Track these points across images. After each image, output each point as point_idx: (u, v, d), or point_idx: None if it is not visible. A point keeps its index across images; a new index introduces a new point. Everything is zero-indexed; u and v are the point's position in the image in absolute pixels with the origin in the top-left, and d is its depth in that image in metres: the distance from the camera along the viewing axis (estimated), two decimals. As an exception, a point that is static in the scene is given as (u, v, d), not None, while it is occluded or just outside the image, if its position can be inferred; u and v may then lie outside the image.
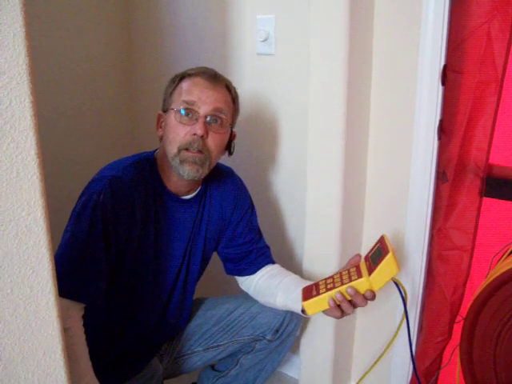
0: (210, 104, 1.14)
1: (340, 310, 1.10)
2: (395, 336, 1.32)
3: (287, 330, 1.33)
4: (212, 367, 1.46)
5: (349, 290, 1.06)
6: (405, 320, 1.15)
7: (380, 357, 1.41)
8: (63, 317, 0.66)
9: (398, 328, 1.32)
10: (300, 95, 1.48)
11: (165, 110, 1.20)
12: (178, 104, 1.15)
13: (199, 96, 1.14)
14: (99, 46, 1.85)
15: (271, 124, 1.60)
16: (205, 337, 1.37)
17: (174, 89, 1.18)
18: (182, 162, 1.14)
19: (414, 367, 1.30)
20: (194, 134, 1.13)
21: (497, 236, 1.29)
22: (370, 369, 1.47)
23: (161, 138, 1.21)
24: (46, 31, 1.67)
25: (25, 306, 0.60)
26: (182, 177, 1.15)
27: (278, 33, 1.50)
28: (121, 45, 1.92)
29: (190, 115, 1.14)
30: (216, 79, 1.17)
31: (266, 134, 1.61)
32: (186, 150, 1.13)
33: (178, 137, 1.14)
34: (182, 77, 1.19)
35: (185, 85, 1.17)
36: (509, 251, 1.19)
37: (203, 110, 1.14)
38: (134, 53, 1.93)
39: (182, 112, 1.14)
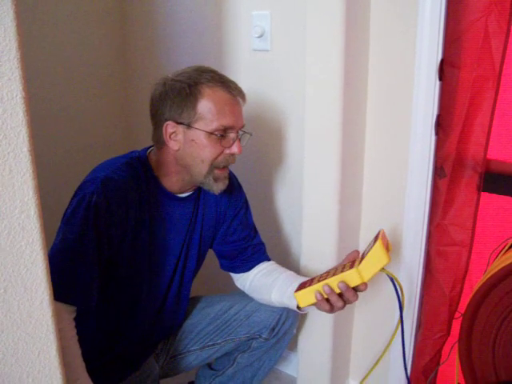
0: (241, 121, 1.17)
1: (329, 303, 1.09)
2: (394, 335, 1.32)
3: (283, 328, 1.33)
4: (209, 366, 1.46)
5: (338, 283, 1.05)
6: (400, 316, 1.15)
7: (378, 360, 1.41)
8: None
9: (397, 327, 1.32)
10: (296, 91, 1.47)
11: (183, 123, 1.12)
12: (212, 126, 1.11)
13: (233, 116, 1.13)
14: (93, 42, 1.84)
15: (267, 120, 1.59)
16: (200, 335, 1.36)
17: (196, 101, 1.10)
18: (216, 179, 1.16)
19: (405, 363, 1.30)
20: (232, 154, 1.15)
21: (495, 231, 1.29)
22: (370, 371, 1.47)
23: (176, 150, 1.15)
24: (39, 26, 1.66)
25: (19, 306, 0.60)
26: (214, 192, 1.18)
27: (273, 29, 1.50)
28: (115, 41, 1.91)
29: (227, 137, 1.14)
30: (239, 92, 1.16)
31: (262, 130, 1.60)
32: (216, 167, 1.15)
33: (212, 156, 1.13)
34: (196, 86, 1.11)
35: (211, 102, 1.10)
36: (507, 246, 1.19)
37: (236, 129, 1.15)
38: (129, 49, 1.92)
39: (218, 134, 1.13)
